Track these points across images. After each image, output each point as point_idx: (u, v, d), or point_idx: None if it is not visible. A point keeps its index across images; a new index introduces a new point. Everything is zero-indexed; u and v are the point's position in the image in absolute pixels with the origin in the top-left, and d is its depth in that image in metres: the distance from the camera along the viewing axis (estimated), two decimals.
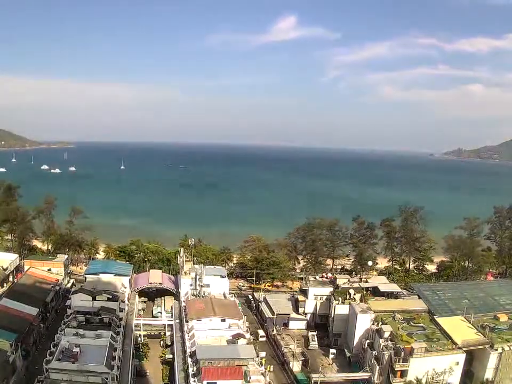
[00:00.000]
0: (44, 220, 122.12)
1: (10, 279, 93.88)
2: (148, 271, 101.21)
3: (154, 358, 70.98)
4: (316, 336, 78.37)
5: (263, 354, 66.13)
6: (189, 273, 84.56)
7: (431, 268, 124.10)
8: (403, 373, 59.32)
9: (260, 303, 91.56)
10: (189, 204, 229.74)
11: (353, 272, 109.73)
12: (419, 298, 77.57)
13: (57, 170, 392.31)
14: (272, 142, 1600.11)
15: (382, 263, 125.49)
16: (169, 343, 73.99)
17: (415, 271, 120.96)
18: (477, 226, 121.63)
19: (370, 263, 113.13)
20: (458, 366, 59.69)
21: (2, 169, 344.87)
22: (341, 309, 76.53)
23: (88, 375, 52.02)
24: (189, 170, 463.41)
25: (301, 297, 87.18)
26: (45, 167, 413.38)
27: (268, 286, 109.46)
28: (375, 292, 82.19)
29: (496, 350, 59.78)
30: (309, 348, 76.35)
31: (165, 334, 76.56)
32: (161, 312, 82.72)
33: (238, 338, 63.35)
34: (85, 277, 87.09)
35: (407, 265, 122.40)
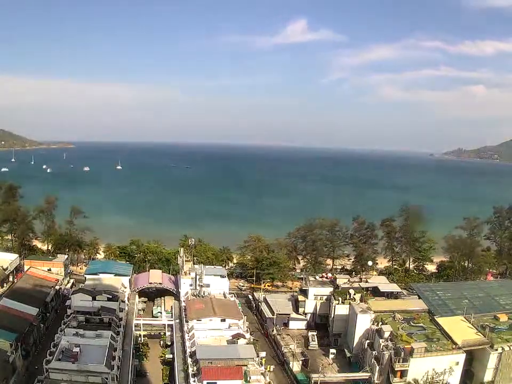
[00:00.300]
0: (44, 220, 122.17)
1: (10, 279, 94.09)
2: (148, 271, 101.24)
3: (154, 358, 70.95)
4: (315, 336, 78.43)
5: (263, 354, 66.10)
6: (189, 273, 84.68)
7: (431, 268, 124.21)
8: (403, 373, 59.30)
9: (259, 303, 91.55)
10: (189, 204, 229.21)
11: (353, 272, 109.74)
12: (419, 298, 77.51)
13: (48, 170, 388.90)
14: (272, 142, 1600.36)
15: (382, 263, 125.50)
16: (169, 343, 73.93)
17: (415, 271, 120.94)
18: (477, 226, 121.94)
19: (370, 263, 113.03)
20: (458, 366, 59.70)
21: (5, 169, 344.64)
22: (341, 309, 76.53)
23: (88, 375, 52.10)
24: (191, 169, 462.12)
25: (301, 297, 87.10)
26: (45, 167, 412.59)
27: (268, 286, 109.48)
28: (375, 292, 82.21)
29: (496, 350, 59.75)
30: (309, 348, 76.41)
31: (165, 334, 76.52)
32: (161, 312, 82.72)
33: (238, 338, 63.43)
34: (85, 277, 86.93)
35: (407, 265, 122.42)
